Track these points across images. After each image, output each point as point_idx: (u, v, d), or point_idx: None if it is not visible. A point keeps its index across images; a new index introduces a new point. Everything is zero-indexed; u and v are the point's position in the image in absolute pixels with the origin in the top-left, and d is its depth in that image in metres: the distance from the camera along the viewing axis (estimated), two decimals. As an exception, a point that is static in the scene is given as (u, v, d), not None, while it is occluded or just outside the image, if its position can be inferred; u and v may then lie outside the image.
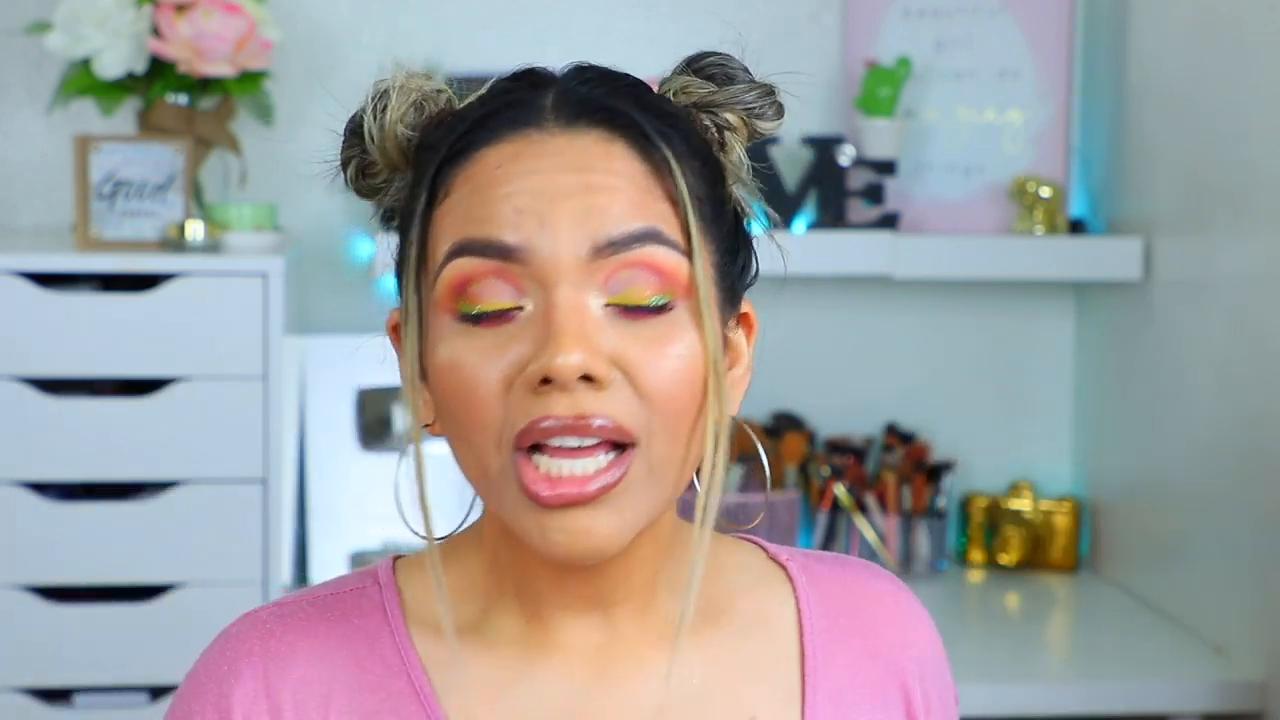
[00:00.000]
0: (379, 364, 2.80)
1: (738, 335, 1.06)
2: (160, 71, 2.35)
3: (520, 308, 0.98)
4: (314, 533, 2.45)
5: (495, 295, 0.98)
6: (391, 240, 1.07)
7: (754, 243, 1.09)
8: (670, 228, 0.99)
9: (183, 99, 2.38)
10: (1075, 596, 2.59)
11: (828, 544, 2.61)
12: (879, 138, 2.55)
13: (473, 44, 2.62)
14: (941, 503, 2.65)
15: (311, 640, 1.06)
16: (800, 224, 2.53)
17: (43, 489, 2.17)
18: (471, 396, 0.98)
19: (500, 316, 0.98)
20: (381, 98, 1.06)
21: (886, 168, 2.55)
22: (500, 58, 2.61)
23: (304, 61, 2.59)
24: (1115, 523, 2.64)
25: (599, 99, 1.01)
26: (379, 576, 1.09)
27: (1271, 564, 2.14)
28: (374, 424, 2.49)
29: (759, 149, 2.51)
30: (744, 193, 1.07)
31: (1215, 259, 2.31)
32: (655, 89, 1.07)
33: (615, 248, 0.97)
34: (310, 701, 1.04)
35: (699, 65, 1.07)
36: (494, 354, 0.97)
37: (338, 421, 2.48)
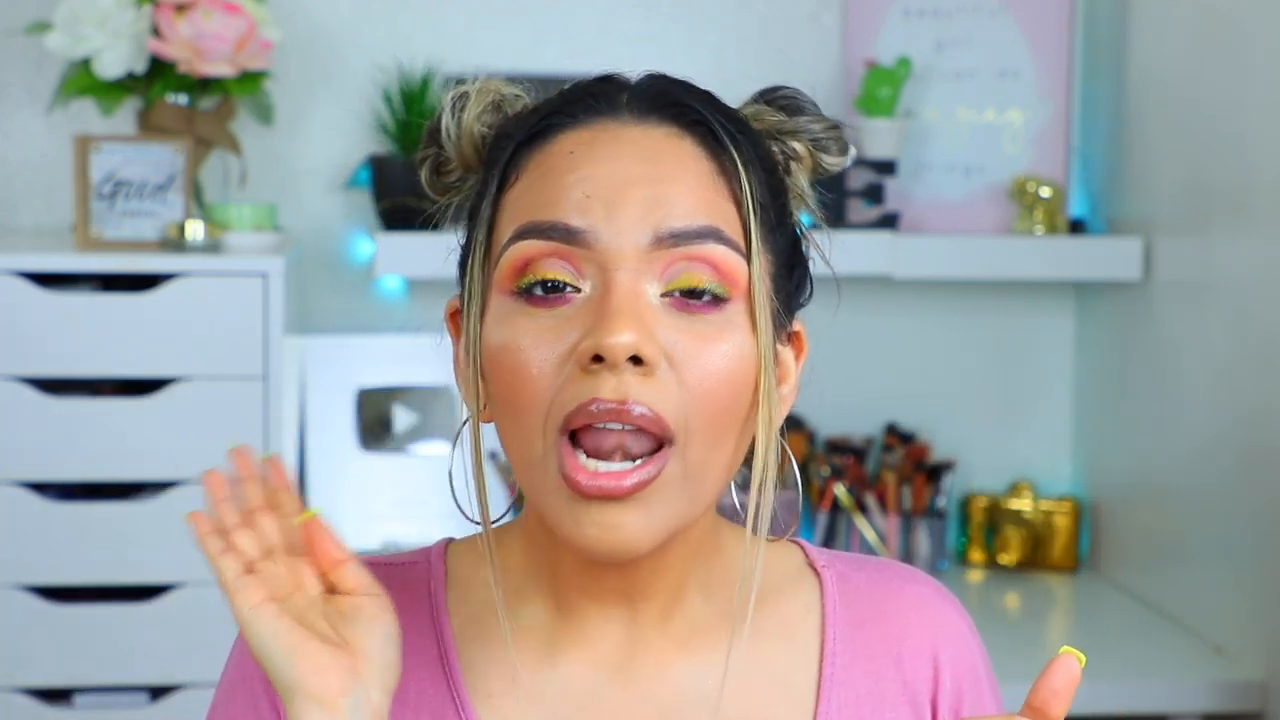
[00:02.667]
0: (379, 364, 2.79)
1: (787, 353, 1.08)
2: (160, 71, 2.35)
3: (578, 290, 0.99)
4: (314, 533, 2.44)
5: (554, 270, 1.00)
6: (460, 230, 1.10)
7: (810, 267, 1.11)
8: (731, 229, 1.01)
9: (183, 99, 2.38)
10: (1075, 596, 2.59)
11: (827, 544, 2.61)
12: (879, 138, 2.55)
13: (473, 44, 2.62)
14: (941, 503, 2.65)
15: None
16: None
17: (43, 489, 2.17)
18: (523, 375, 0.99)
19: (557, 294, 1.00)
20: (461, 99, 1.08)
21: (886, 168, 2.55)
22: (500, 58, 2.62)
23: (304, 61, 2.59)
24: (1115, 523, 2.64)
25: (674, 95, 1.04)
26: (430, 554, 1.13)
27: (1271, 564, 2.15)
28: (374, 424, 2.49)
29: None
30: (805, 219, 1.10)
31: (1215, 259, 2.31)
32: None
33: (677, 240, 0.99)
34: None
35: (771, 96, 1.10)
36: (548, 335, 0.99)
37: (338, 421, 2.48)
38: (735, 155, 1.03)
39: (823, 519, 2.62)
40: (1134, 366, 2.55)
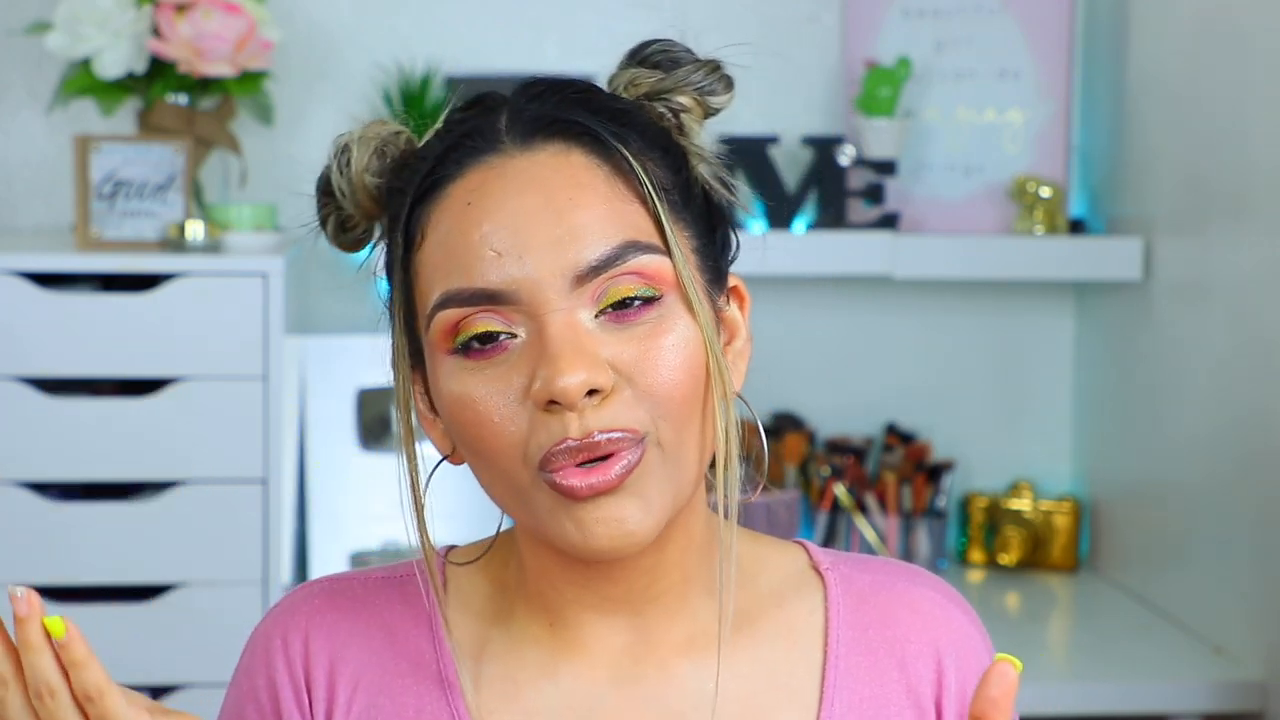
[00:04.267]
0: (379, 364, 2.79)
1: (731, 309, 1.08)
2: (160, 71, 2.35)
3: (514, 335, 1.00)
4: (314, 533, 2.45)
5: (486, 324, 0.99)
6: (383, 286, 1.09)
7: (729, 217, 1.09)
8: (644, 229, 1.01)
9: (183, 99, 2.38)
10: (1075, 596, 2.59)
11: (827, 544, 2.61)
12: (879, 138, 2.55)
13: (473, 44, 2.62)
14: (941, 503, 2.65)
15: (354, 620, 1.10)
16: (800, 224, 2.53)
17: (43, 489, 2.17)
18: (487, 425, 1.00)
19: (494, 344, 1.00)
20: (344, 152, 1.06)
21: (886, 168, 2.55)
22: (500, 58, 2.62)
23: (304, 61, 2.59)
24: (1115, 523, 2.64)
25: (548, 112, 1.02)
26: (420, 567, 1.12)
27: (1271, 564, 2.14)
28: (374, 424, 2.49)
29: (758, 149, 2.52)
30: (710, 171, 1.07)
31: (1215, 259, 2.31)
32: (605, 85, 1.08)
33: (596, 270, 0.99)
34: (343, 678, 1.09)
35: (643, 55, 1.10)
36: (499, 383, 0.99)
37: (338, 421, 2.48)
38: (625, 154, 1.02)
39: (823, 519, 2.62)
40: (1134, 366, 2.55)
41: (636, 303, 1.00)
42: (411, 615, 1.10)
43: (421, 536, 1.06)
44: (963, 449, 2.75)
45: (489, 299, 0.99)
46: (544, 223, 0.99)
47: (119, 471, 2.17)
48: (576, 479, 0.98)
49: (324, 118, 2.61)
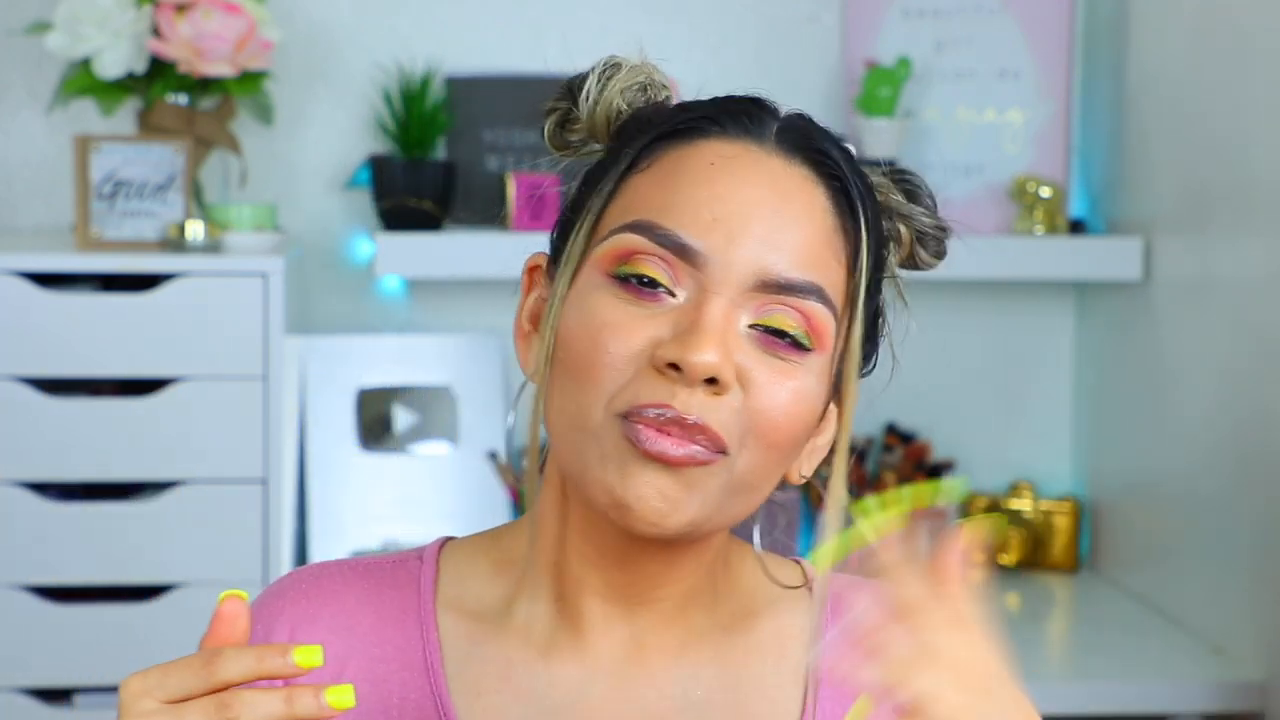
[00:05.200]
0: (379, 364, 2.79)
1: (832, 410, 1.10)
2: (160, 71, 2.35)
3: (672, 294, 1.01)
4: (314, 533, 2.45)
5: (654, 268, 1.01)
6: (571, 189, 1.10)
7: (876, 340, 1.13)
8: (832, 288, 1.03)
9: (183, 99, 2.38)
10: (1075, 596, 2.59)
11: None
12: (879, 138, 2.55)
13: (473, 44, 2.62)
14: (942, 503, 2.65)
15: (339, 605, 1.10)
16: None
17: (43, 489, 2.17)
18: (598, 353, 1.00)
19: (651, 291, 1.01)
20: (613, 68, 1.09)
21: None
22: (500, 58, 2.62)
23: (304, 61, 2.59)
24: (1115, 523, 2.64)
25: (819, 141, 1.06)
26: (424, 553, 1.13)
27: (1271, 564, 2.14)
28: (374, 424, 2.49)
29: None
30: (888, 293, 1.12)
31: (1215, 259, 2.31)
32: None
33: (780, 289, 1.01)
34: (327, 664, 1.07)
35: (897, 176, 1.13)
36: (636, 324, 1.00)
37: (338, 421, 2.48)
38: (861, 217, 1.05)
39: (823, 520, 2.62)
40: (1134, 366, 2.55)
41: (789, 339, 1.02)
42: (400, 600, 1.10)
43: (531, 466, 1.07)
44: (963, 449, 2.75)
45: (679, 250, 1.00)
46: (767, 222, 1.01)
47: (119, 471, 2.17)
48: (650, 434, 0.98)
49: (324, 118, 2.61)
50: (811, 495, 2.65)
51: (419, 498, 2.42)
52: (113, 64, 2.31)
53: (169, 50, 2.31)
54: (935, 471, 2.66)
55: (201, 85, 2.36)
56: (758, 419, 1.01)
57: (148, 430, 2.16)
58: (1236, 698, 2.19)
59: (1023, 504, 2.70)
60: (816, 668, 1.11)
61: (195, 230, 2.23)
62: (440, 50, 2.59)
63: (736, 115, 1.05)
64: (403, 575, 1.11)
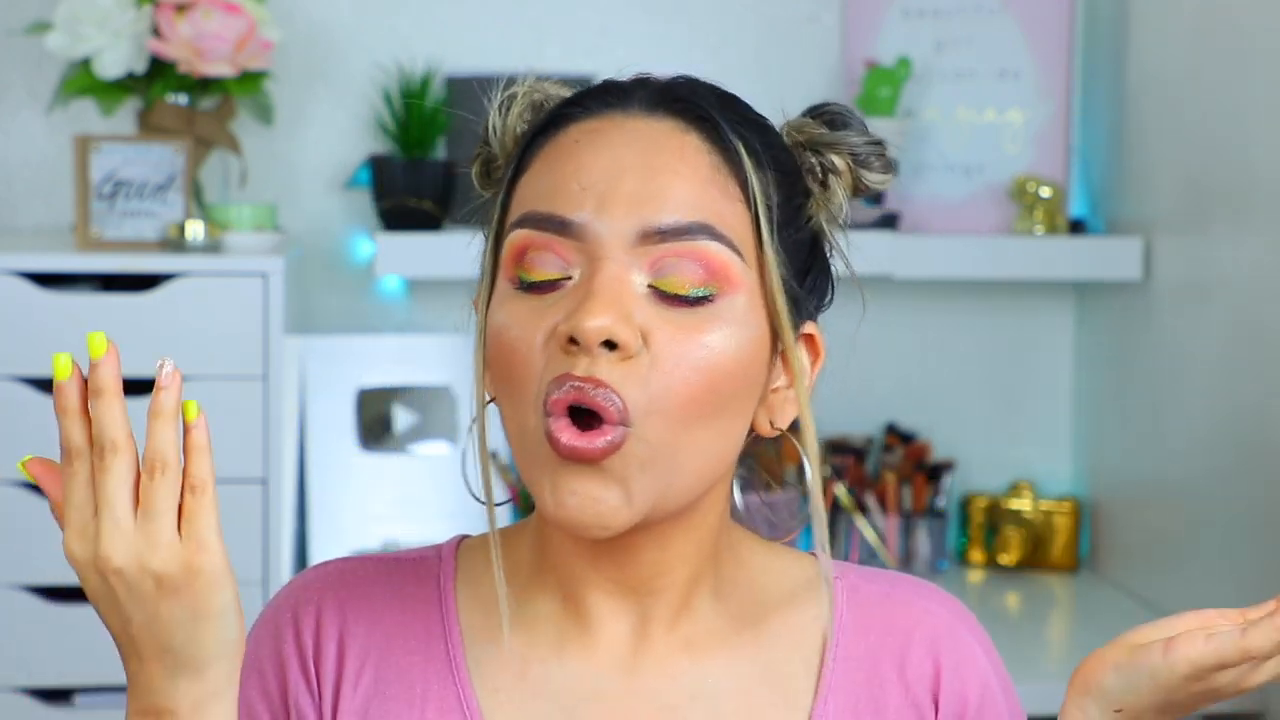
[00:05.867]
0: (379, 364, 2.78)
1: (800, 354, 1.09)
2: (160, 71, 2.35)
3: (569, 278, 1.02)
4: (314, 533, 2.45)
5: (546, 266, 1.02)
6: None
7: (833, 276, 1.11)
8: (730, 225, 1.02)
9: (183, 99, 2.38)
10: (1075, 596, 2.59)
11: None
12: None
13: (473, 44, 2.62)
14: (941, 503, 2.65)
15: (367, 599, 1.12)
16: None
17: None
18: (514, 356, 1.02)
19: (549, 286, 1.02)
20: (508, 99, 1.11)
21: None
22: (500, 58, 2.61)
23: (304, 61, 2.59)
24: (1115, 523, 2.64)
25: (681, 91, 1.06)
26: (442, 550, 1.15)
27: (1271, 563, 2.14)
28: (374, 424, 2.49)
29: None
30: (833, 230, 1.10)
31: (1215, 259, 2.31)
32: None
33: (664, 235, 1.01)
34: (351, 653, 1.10)
35: (817, 111, 1.12)
36: (537, 317, 1.01)
37: (338, 421, 2.48)
38: (740, 150, 1.03)
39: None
40: (1134, 366, 2.55)
41: (688, 297, 1.01)
42: (423, 595, 1.12)
43: (484, 479, 1.06)
44: (963, 449, 2.75)
45: (559, 228, 1.01)
46: (634, 177, 1.02)
47: (119, 471, 2.17)
48: (566, 434, 0.99)
49: (324, 118, 2.61)
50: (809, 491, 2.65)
51: (419, 498, 2.42)
52: (113, 64, 2.31)
53: (169, 50, 2.31)
54: (935, 471, 2.66)
55: (201, 85, 2.36)
56: (667, 379, 1.00)
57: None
58: (1236, 698, 2.18)
59: (1023, 504, 2.70)
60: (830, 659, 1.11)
61: (195, 230, 2.23)
62: (440, 50, 2.59)
63: (598, 94, 1.07)
64: (424, 571, 1.13)
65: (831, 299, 1.12)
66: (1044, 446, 2.77)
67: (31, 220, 2.58)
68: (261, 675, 1.12)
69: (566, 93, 1.10)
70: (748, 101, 1.10)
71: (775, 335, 1.06)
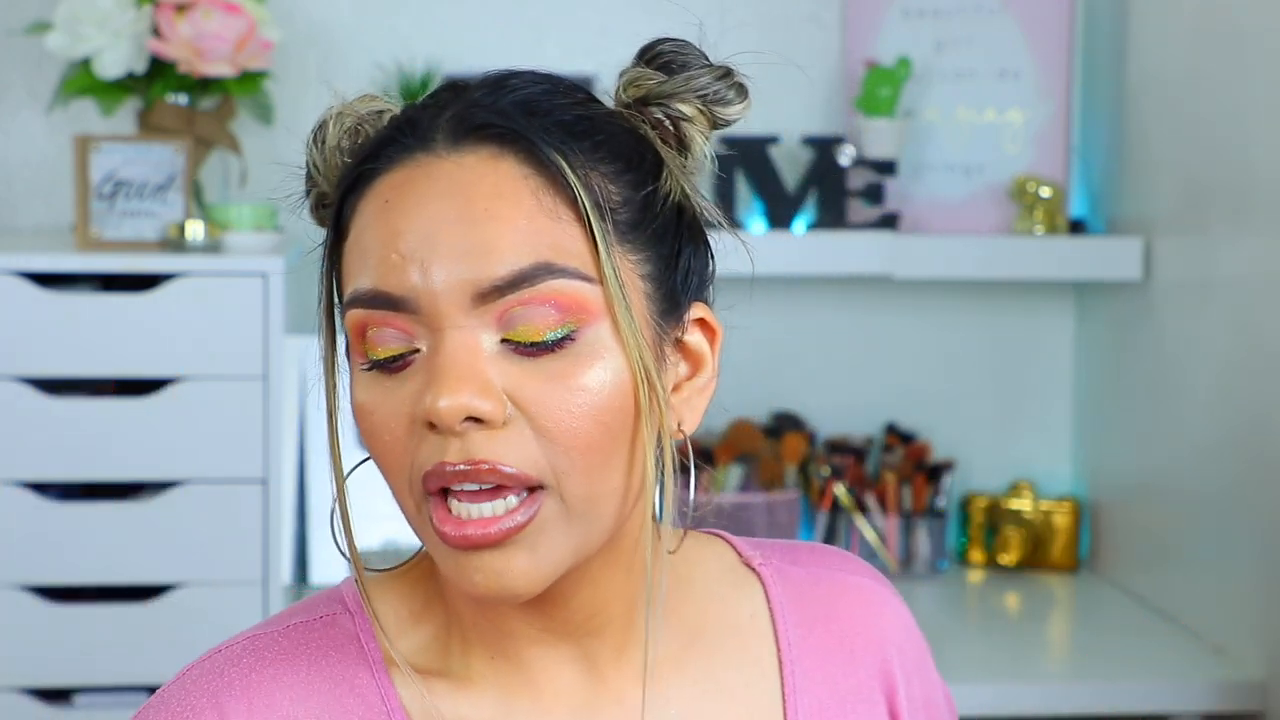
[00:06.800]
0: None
1: (695, 340, 1.00)
2: (160, 71, 2.35)
3: (417, 350, 0.94)
4: (314, 533, 2.45)
5: (387, 343, 0.94)
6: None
7: (710, 241, 1.02)
8: (571, 251, 0.93)
9: (183, 99, 2.38)
10: (1075, 596, 2.59)
11: (827, 544, 2.61)
12: (879, 138, 2.55)
13: (473, 44, 2.62)
14: (941, 503, 2.65)
15: (294, 674, 1.01)
16: (800, 224, 2.53)
17: (43, 489, 2.17)
18: (380, 440, 0.95)
19: (398, 362, 0.94)
20: (320, 128, 1.02)
21: (886, 168, 2.55)
22: (500, 58, 2.61)
23: (304, 61, 2.59)
24: (1115, 523, 2.64)
25: (486, 114, 0.95)
26: (345, 601, 1.04)
27: (1271, 564, 2.14)
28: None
29: (758, 149, 2.52)
30: (688, 185, 1.00)
31: (1215, 259, 2.31)
32: (614, 82, 1.02)
33: (500, 290, 0.92)
34: None
35: (651, 55, 1.03)
36: (393, 398, 0.94)
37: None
38: (562, 166, 0.93)
39: (823, 519, 2.62)
40: (1134, 366, 2.55)
41: (543, 345, 0.92)
42: (347, 663, 1.01)
43: (352, 554, 0.99)
44: (963, 449, 2.75)
45: (389, 304, 0.93)
46: (454, 233, 0.92)
47: (119, 471, 2.17)
48: (450, 527, 0.92)
49: (324, 118, 2.61)
50: (811, 494, 2.65)
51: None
52: (113, 64, 2.31)
53: (169, 50, 2.31)
54: (935, 471, 2.66)
55: (201, 85, 2.36)
56: (555, 435, 0.92)
57: (148, 430, 2.16)
58: (1236, 698, 2.19)
59: (1023, 504, 2.70)
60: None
61: (195, 230, 2.23)
62: (440, 50, 2.59)
63: (397, 136, 0.96)
64: (339, 634, 1.02)
65: (713, 269, 1.02)
66: (1044, 446, 2.77)
67: (31, 220, 2.58)
68: None
69: (385, 106, 1.01)
70: (573, 80, 1.01)
71: (659, 339, 0.97)
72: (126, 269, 2.18)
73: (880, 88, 2.57)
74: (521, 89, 0.97)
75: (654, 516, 0.99)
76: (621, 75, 1.02)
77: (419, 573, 1.05)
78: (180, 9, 2.31)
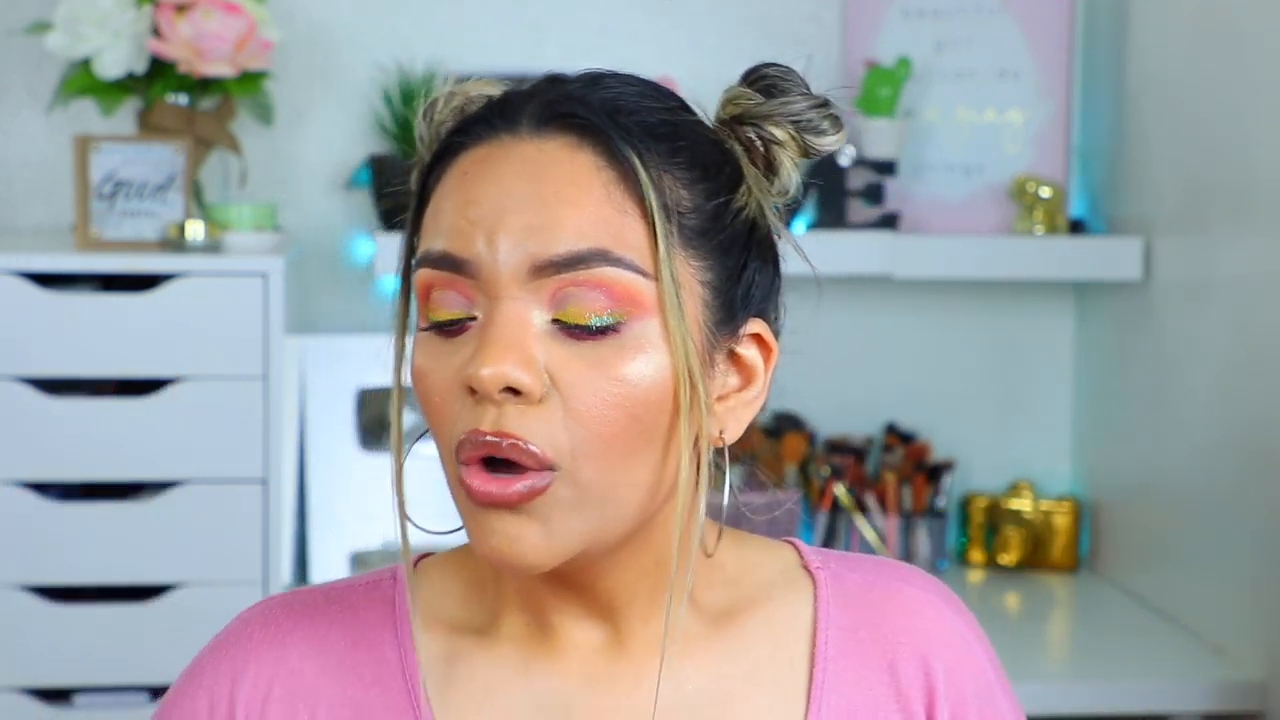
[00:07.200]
0: (379, 364, 2.77)
1: (750, 354, 1.03)
2: (160, 71, 2.35)
3: (474, 317, 0.98)
4: (314, 533, 2.45)
5: (449, 306, 0.98)
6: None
7: (773, 259, 1.05)
8: (631, 244, 0.96)
9: (183, 99, 2.38)
10: (1075, 596, 2.59)
11: (828, 545, 2.61)
12: (879, 138, 2.55)
13: (473, 44, 2.62)
14: (941, 503, 2.65)
15: (311, 632, 1.08)
16: (800, 224, 2.53)
17: (43, 489, 2.17)
18: (430, 404, 0.99)
19: (456, 326, 0.98)
20: (431, 105, 1.06)
21: (886, 168, 2.55)
22: (500, 58, 2.61)
23: (304, 61, 2.59)
24: (1115, 523, 2.64)
25: (571, 105, 0.99)
26: (396, 572, 1.10)
27: (1271, 564, 2.14)
28: (374, 424, 2.49)
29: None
30: (770, 207, 1.04)
31: (1215, 259, 2.31)
32: (720, 99, 1.05)
33: (558, 267, 0.95)
34: (299, 692, 1.06)
35: (754, 77, 1.06)
36: (445, 361, 0.98)
37: (338, 421, 2.48)
38: (635, 163, 0.97)
39: (823, 519, 2.62)
40: (1134, 366, 2.55)
41: (592, 329, 0.96)
42: (374, 622, 1.08)
43: (400, 527, 1.04)
44: (963, 449, 2.75)
45: (453, 266, 0.97)
46: (524, 208, 0.96)
47: (119, 471, 2.17)
48: (477, 480, 0.96)
49: (324, 118, 2.61)
50: (811, 494, 2.65)
51: (419, 498, 2.41)
52: (113, 64, 2.31)
53: (169, 50, 2.31)
54: (935, 471, 2.66)
55: (201, 85, 2.36)
56: (584, 419, 0.95)
57: (148, 430, 2.16)
58: (1236, 698, 2.19)
59: (1023, 504, 2.70)
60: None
61: (195, 230, 2.23)
62: (440, 50, 2.59)
63: (487, 115, 1.01)
64: (376, 596, 1.09)
65: (777, 286, 1.06)
66: (1044, 446, 2.77)
67: (31, 220, 2.58)
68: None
69: (492, 91, 1.05)
70: (668, 90, 1.04)
71: (711, 346, 1.00)
72: (126, 269, 2.18)
73: (880, 88, 2.57)
74: (614, 88, 1.01)
75: (691, 515, 1.01)
76: (725, 93, 1.05)
77: (472, 564, 1.10)
78: (180, 9, 2.31)
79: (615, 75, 1.02)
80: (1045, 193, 2.57)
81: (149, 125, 2.37)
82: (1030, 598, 2.58)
